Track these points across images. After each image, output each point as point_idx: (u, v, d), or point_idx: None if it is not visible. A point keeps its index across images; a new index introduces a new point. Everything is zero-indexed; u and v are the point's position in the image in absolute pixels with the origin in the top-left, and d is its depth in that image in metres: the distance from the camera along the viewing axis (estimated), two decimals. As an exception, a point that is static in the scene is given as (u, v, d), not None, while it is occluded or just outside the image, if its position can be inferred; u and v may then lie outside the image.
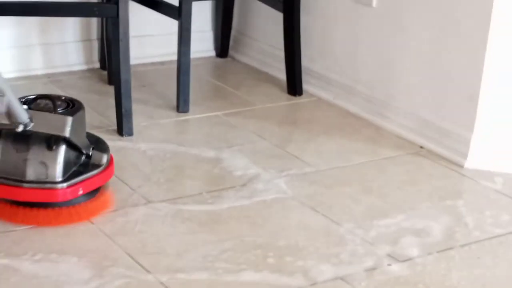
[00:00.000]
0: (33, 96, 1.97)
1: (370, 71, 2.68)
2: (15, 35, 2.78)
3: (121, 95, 2.42)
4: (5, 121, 1.84)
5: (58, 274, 1.74)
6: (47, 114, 1.89)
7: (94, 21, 2.91)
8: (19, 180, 1.88)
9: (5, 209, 1.92)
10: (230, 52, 3.16)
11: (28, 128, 1.86)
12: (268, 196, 2.13)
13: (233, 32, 3.15)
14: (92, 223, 1.94)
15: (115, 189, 2.11)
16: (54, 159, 1.89)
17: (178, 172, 2.25)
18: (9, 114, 1.83)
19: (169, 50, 2.93)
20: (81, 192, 1.93)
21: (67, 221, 1.92)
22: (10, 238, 1.85)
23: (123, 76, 2.41)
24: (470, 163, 2.37)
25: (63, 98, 1.98)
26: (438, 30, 2.43)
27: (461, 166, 2.37)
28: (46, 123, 1.87)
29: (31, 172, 1.88)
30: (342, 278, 1.79)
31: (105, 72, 2.86)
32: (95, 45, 2.92)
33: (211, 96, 2.82)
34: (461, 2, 2.35)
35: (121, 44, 2.39)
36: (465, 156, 2.37)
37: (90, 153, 1.99)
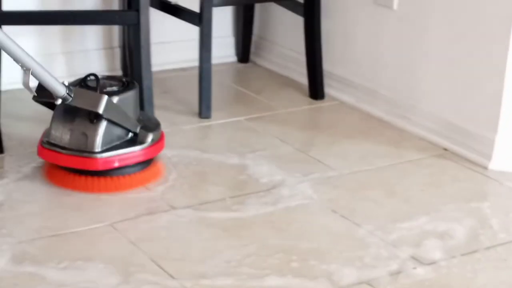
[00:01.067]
0: (93, 77, 2.16)
1: (392, 74, 2.67)
2: (38, 44, 2.81)
3: (144, 101, 2.43)
4: (41, 94, 2.03)
5: (85, 281, 1.75)
6: (86, 91, 2.08)
7: (115, 29, 2.92)
8: (63, 147, 2.08)
9: (58, 174, 2.14)
10: (252, 57, 3.17)
11: (67, 102, 2.04)
12: (292, 201, 2.13)
13: (254, 37, 3.16)
14: (116, 229, 1.95)
15: (139, 195, 2.12)
16: (94, 131, 2.07)
17: (201, 178, 2.25)
18: (44, 88, 2.01)
19: (191, 56, 2.94)
20: (116, 164, 2.09)
21: (109, 189, 2.11)
22: (35, 246, 1.86)
23: (145, 83, 2.42)
24: (494, 165, 2.35)
25: (118, 77, 2.23)
26: (460, 31, 2.42)
27: (485, 168, 2.35)
28: (84, 99, 2.05)
29: (73, 141, 2.07)
30: (366, 282, 1.78)
31: (127, 79, 2.87)
32: (117, 52, 2.94)
33: (233, 101, 2.83)
34: (483, 4, 2.34)
35: (142, 51, 2.40)
36: (489, 157, 2.36)
37: (137, 131, 2.15)
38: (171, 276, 1.78)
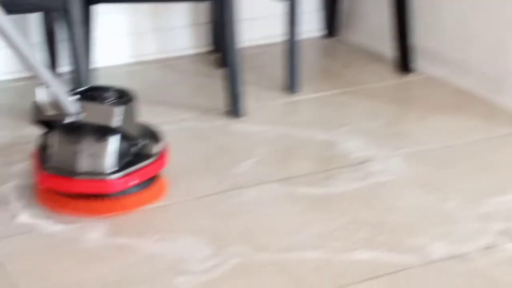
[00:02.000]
0: (84, 88, 1.98)
1: (483, 46, 2.62)
2: (129, 22, 2.86)
3: (232, 78, 2.45)
4: (52, 112, 1.86)
5: (177, 252, 1.79)
6: (95, 104, 1.90)
7: (204, 6, 2.95)
8: (72, 172, 1.89)
9: (59, 200, 1.93)
10: (339, 31, 3.15)
11: (78, 119, 1.87)
12: (381, 175, 2.12)
13: (341, 11, 3.14)
14: (205, 203, 1.99)
15: (227, 169, 2.15)
16: (104, 150, 1.90)
17: (289, 153, 2.27)
18: (57, 105, 1.85)
19: (278, 32, 2.95)
20: (132, 183, 1.92)
21: (119, 210, 1.92)
22: (129, 219, 1.92)
23: (233, 59, 2.44)
24: None
25: (114, 89, 1.97)
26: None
27: None
28: (95, 113, 1.88)
29: (83, 164, 1.89)
30: (457, 256, 1.77)
31: (216, 55, 2.90)
32: (205, 29, 2.97)
33: (320, 76, 2.83)
34: None
35: (230, 27, 2.42)
36: None
37: (143, 143, 1.98)
38: (260, 249, 1.80)
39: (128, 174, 1.91)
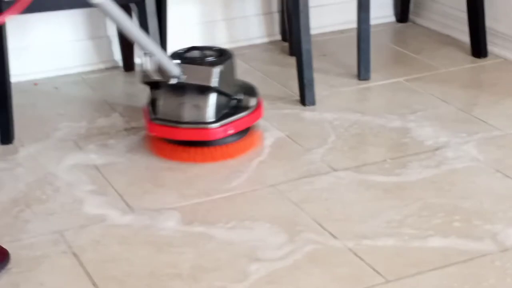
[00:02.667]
0: (185, 48, 2.20)
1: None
2: (201, 11, 2.89)
3: (303, 65, 2.45)
4: (157, 76, 2.07)
5: (253, 239, 1.81)
6: (196, 66, 2.09)
7: (274, -6, 2.96)
8: (177, 121, 2.09)
9: (166, 148, 2.15)
10: (411, 16, 3.12)
11: (180, 80, 2.07)
12: (456, 161, 2.10)
13: (413, -4, 3.11)
14: (279, 190, 2.00)
15: (299, 157, 2.16)
16: (206, 102, 2.08)
17: (361, 139, 2.26)
18: (162, 70, 2.06)
19: (349, 18, 2.93)
20: (231, 131, 2.11)
21: (220, 158, 2.12)
22: (203, 207, 1.94)
23: (304, 47, 2.44)
24: None
25: (213, 48, 2.21)
26: None
27: None
28: (195, 75, 2.08)
29: (187, 114, 2.08)
30: (534, 244, 1.74)
31: (286, 44, 2.91)
32: (276, 17, 2.98)
33: (392, 62, 2.80)
34: None
35: (301, 15, 2.42)
36: None
37: (241, 97, 2.18)
38: (334, 236, 1.81)
39: (226, 124, 2.11)
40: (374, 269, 1.69)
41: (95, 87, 2.62)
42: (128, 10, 2.62)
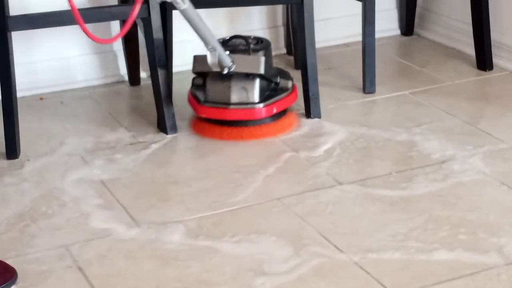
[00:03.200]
0: (228, 37, 2.44)
1: None
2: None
3: (308, 79, 2.46)
4: (217, 68, 2.30)
5: (259, 253, 1.80)
6: (244, 56, 2.34)
7: (279, 8, 2.97)
8: (226, 103, 2.31)
9: (212, 128, 2.37)
10: (416, 29, 3.12)
11: (231, 70, 2.30)
12: (462, 175, 2.10)
13: (418, 9, 3.11)
14: (284, 204, 2.00)
15: (305, 171, 2.16)
16: (253, 85, 2.31)
17: (367, 153, 2.26)
18: (219, 62, 2.29)
19: (354, 32, 2.94)
20: (275, 111, 2.35)
21: (262, 136, 2.35)
22: (209, 221, 1.94)
23: (309, 60, 2.45)
24: None
25: (252, 36, 2.45)
26: None
27: None
28: (245, 64, 2.32)
29: (235, 96, 2.30)
30: (540, 257, 1.74)
31: (291, 57, 2.91)
32: (281, 31, 2.98)
33: (397, 75, 2.81)
34: None
35: (306, 28, 2.43)
36: None
37: (278, 80, 2.41)
38: (339, 250, 1.80)
39: (270, 104, 2.34)
40: (380, 283, 1.69)
41: (101, 102, 2.62)
42: (134, 26, 2.64)
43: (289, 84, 2.41)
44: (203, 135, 2.36)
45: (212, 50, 2.26)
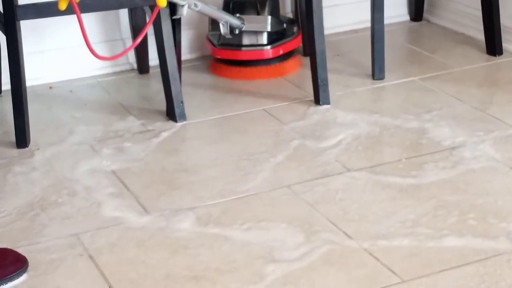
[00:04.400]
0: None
1: None
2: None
3: (317, 65, 2.45)
4: (230, 36, 2.58)
5: (267, 240, 1.81)
6: (252, 17, 2.62)
7: (287, -5, 2.96)
8: (239, 45, 2.62)
9: (227, 69, 2.67)
10: (425, 15, 3.11)
11: (242, 29, 2.60)
12: (471, 160, 2.09)
13: (427, -5, 3.10)
14: (293, 191, 2.00)
15: (314, 158, 2.16)
16: (261, 30, 2.63)
17: (377, 140, 2.26)
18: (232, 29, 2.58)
19: (362, 18, 2.93)
20: (281, 52, 2.65)
21: (271, 75, 2.66)
22: (218, 208, 1.95)
23: (318, 47, 2.44)
24: None
25: None
26: None
27: None
28: (253, 23, 2.61)
29: (246, 40, 2.62)
30: (550, 242, 1.73)
31: (300, 44, 2.90)
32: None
33: (406, 61, 2.80)
34: None
35: (315, 15, 2.42)
36: None
37: (284, 26, 2.70)
38: (349, 237, 1.81)
39: (280, 45, 2.65)
40: (390, 269, 1.69)
41: (110, 90, 2.63)
42: (143, 14, 2.63)
43: (294, 29, 2.72)
44: (218, 75, 2.66)
45: (224, 24, 2.53)
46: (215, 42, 2.68)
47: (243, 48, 2.64)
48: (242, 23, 2.60)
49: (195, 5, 2.38)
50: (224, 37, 2.60)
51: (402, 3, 3.12)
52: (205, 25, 2.80)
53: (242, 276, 1.69)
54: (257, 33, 2.62)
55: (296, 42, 2.72)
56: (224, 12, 2.58)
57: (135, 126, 2.37)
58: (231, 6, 2.65)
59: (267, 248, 1.78)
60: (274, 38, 2.66)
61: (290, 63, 2.71)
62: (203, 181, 2.07)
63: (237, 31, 2.60)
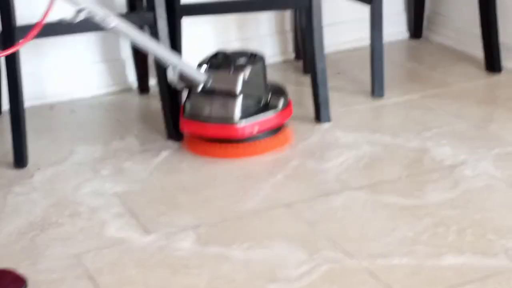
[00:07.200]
0: (214, 53, 2.30)
1: None
2: (215, 32, 2.90)
3: (317, 83, 2.46)
4: (182, 84, 2.23)
5: (267, 259, 1.80)
6: (221, 73, 2.22)
7: (287, 13, 2.97)
8: (207, 119, 2.22)
9: (198, 145, 2.28)
10: (424, 32, 3.12)
11: (207, 86, 2.21)
12: (473, 178, 2.09)
13: (426, 12, 3.11)
14: (293, 210, 2.00)
15: (314, 176, 2.15)
16: (233, 103, 2.20)
17: (377, 158, 2.26)
18: (186, 78, 2.21)
19: (362, 35, 2.94)
20: (256, 129, 2.22)
21: (248, 154, 2.24)
22: (218, 228, 1.95)
23: (318, 65, 2.45)
24: None
25: (243, 53, 2.31)
26: None
27: None
28: (221, 81, 2.21)
29: (215, 112, 2.21)
30: (551, 260, 1.73)
31: (300, 62, 2.91)
32: (289, 36, 2.99)
33: (406, 79, 2.80)
34: None
35: (315, 33, 2.43)
36: None
37: (269, 97, 2.29)
38: (350, 255, 1.80)
39: (254, 122, 2.22)
40: (390, 288, 1.69)
41: (110, 110, 2.63)
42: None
43: (281, 102, 2.29)
44: (191, 151, 2.29)
45: (173, 67, 2.22)
46: (186, 109, 2.28)
47: (211, 121, 2.24)
48: (207, 79, 2.23)
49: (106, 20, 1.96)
50: (192, 106, 2.25)
51: (401, 21, 3.13)
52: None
53: (242, 296, 1.69)
54: (227, 102, 2.21)
55: (279, 119, 2.29)
56: (175, 53, 2.22)
57: (135, 145, 2.37)
58: (208, 61, 2.29)
59: (268, 267, 1.78)
60: (252, 112, 2.25)
61: (273, 140, 2.29)
62: (203, 200, 2.07)
63: (199, 88, 2.23)
